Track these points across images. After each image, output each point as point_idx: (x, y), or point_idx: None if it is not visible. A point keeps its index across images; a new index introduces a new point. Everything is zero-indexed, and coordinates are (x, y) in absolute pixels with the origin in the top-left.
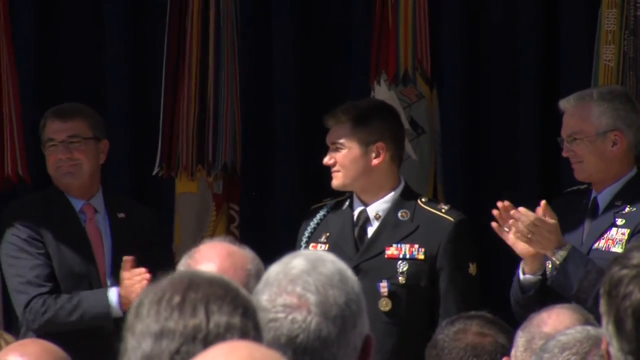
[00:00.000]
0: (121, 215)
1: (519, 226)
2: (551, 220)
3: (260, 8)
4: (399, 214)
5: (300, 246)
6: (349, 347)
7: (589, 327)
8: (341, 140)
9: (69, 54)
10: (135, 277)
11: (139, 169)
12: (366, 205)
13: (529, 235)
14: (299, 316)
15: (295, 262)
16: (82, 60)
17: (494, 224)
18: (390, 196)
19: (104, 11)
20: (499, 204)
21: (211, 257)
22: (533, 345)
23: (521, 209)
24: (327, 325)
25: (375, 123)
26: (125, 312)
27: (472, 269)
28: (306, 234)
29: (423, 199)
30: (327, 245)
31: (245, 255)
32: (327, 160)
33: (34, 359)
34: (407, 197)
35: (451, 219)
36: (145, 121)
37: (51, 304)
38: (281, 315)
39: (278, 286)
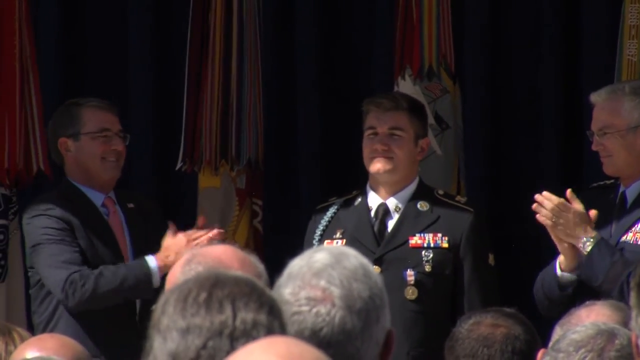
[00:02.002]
0: (130, 205)
1: (542, 210)
2: (577, 206)
3: (283, 2)
4: (419, 205)
5: (312, 245)
6: (372, 341)
7: (599, 323)
8: (401, 128)
9: (93, 50)
10: (194, 235)
11: (163, 163)
12: (384, 198)
13: (554, 220)
14: (323, 309)
15: (318, 256)
16: (106, 56)
17: (538, 216)
18: (408, 189)
19: (128, 7)
20: (537, 196)
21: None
22: None
23: (545, 193)
24: (351, 319)
25: (423, 117)
26: (163, 279)
27: (491, 259)
28: (318, 232)
29: (440, 192)
30: (344, 241)
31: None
32: (381, 144)
33: (52, 354)
34: (423, 189)
35: (471, 209)
36: (168, 116)
37: (89, 274)
38: (305, 308)
39: (302, 279)
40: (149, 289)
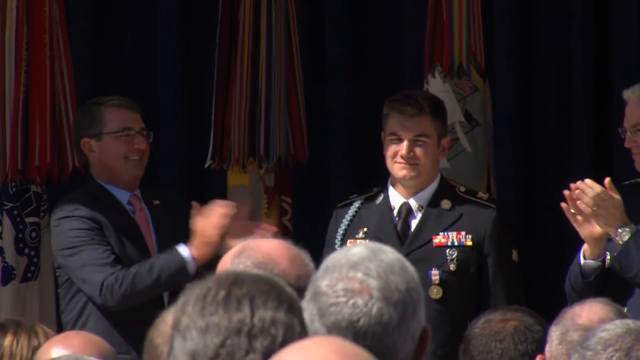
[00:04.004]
0: (156, 202)
1: (584, 198)
2: (616, 196)
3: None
4: (441, 204)
5: (335, 244)
6: (408, 335)
7: (628, 321)
8: (426, 134)
9: (123, 47)
10: (211, 216)
11: (192, 161)
12: (406, 197)
13: (594, 208)
14: (360, 301)
15: (355, 250)
16: (136, 54)
17: (563, 205)
18: (430, 187)
19: (157, 5)
20: (572, 185)
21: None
22: (568, 338)
23: (587, 180)
24: (388, 311)
25: (444, 115)
26: (199, 267)
27: (515, 255)
28: (340, 231)
29: (461, 189)
30: (367, 241)
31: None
32: (405, 152)
33: (77, 351)
34: (445, 187)
35: (494, 206)
36: (198, 113)
37: (125, 274)
38: (342, 299)
39: (339, 272)
40: (186, 279)
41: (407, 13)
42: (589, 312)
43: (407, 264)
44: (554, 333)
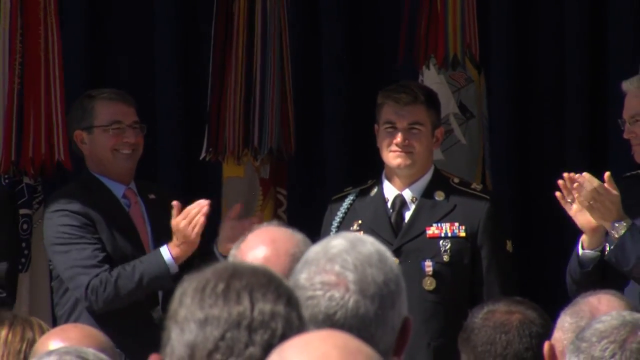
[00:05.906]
0: (152, 196)
1: (582, 191)
2: (614, 191)
3: None
4: (435, 195)
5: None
6: (387, 327)
7: (625, 313)
8: (420, 122)
9: (119, 40)
10: (191, 214)
11: (187, 153)
12: (400, 189)
13: (591, 202)
14: (336, 293)
15: (334, 242)
16: (132, 46)
17: (557, 194)
18: (424, 179)
19: None
20: (565, 174)
21: (256, 245)
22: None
23: (585, 174)
24: (365, 303)
25: (438, 106)
26: (180, 267)
27: (509, 246)
28: (335, 223)
29: (455, 180)
30: (361, 233)
31: (291, 239)
32: (400, 140)
33: (75, 344)
34: (439, 178)
35: (487, 197)
36: (194, 105)
37: (108, 277)
38: (319, 292)
39: (317, 265)
40: (167, 280)
41: (403, 5)
42: (607, 306)
43: (387, 255)
44: (568, 324)
